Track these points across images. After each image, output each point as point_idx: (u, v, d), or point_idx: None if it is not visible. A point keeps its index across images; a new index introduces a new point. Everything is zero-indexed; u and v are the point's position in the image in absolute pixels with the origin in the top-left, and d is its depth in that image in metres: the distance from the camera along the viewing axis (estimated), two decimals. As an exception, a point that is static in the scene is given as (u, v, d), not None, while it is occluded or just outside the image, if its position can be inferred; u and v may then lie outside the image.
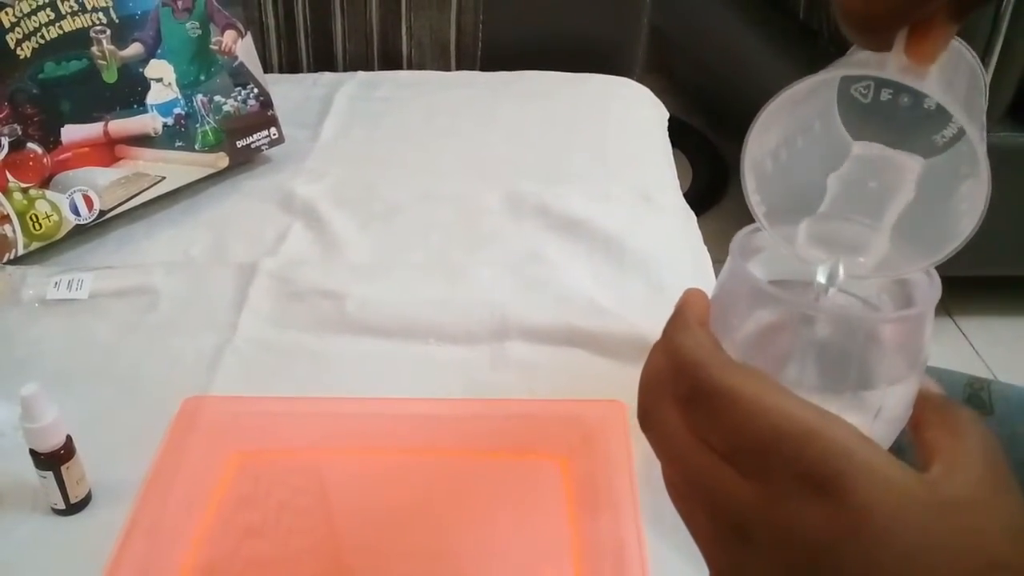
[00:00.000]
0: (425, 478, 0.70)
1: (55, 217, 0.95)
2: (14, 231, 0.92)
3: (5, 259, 0.92)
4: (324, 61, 1.40)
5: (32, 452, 0.64)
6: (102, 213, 0.98)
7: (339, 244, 0.99)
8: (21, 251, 0.93)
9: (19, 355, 0.82)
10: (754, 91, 1.64)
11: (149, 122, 1.01)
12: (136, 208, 1.02)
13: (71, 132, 0.95)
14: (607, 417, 0.72)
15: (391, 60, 1.41)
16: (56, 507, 0.67)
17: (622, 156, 1.16)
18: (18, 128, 0.91)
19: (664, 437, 0.37)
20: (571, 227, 1.00)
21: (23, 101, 0.92)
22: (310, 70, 1.41)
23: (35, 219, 0.94)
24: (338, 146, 1.19)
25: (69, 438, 0.65)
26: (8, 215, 0.92)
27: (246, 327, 0.85)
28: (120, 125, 0.99)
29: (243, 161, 1.10)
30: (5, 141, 0.91)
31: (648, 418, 0.37)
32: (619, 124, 1.24)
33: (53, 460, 0.64)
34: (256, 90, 1.10)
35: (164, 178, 1.03)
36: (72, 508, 0.67)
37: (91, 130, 0.97)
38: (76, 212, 0.96)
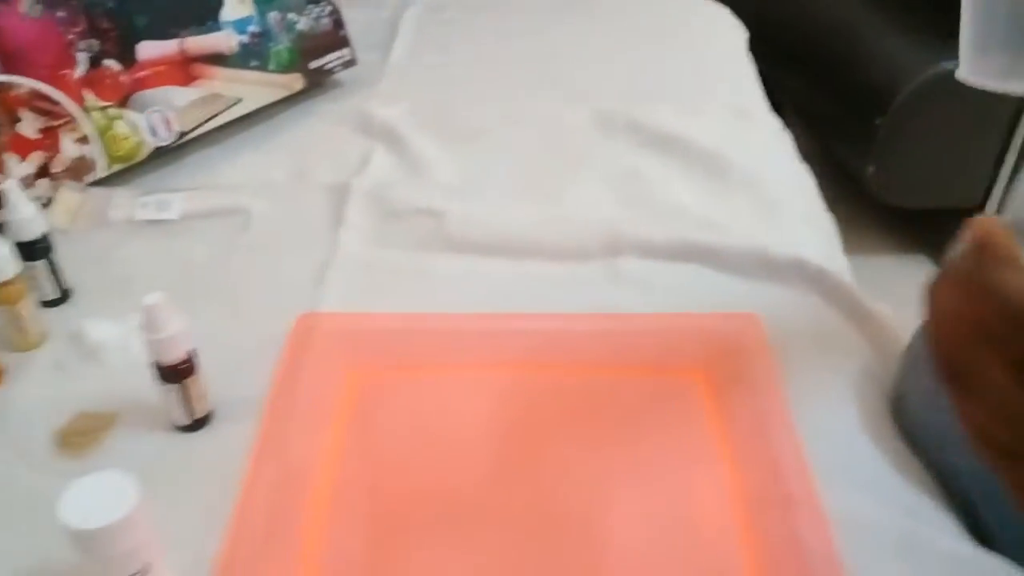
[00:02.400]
0: (557, 396, 0.67)
1: (134, 138, 0.91)
2: (95, 152, 0.89)
3: (88, 181, 0.88)
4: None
5: (155, 365, 0.61)
6: (181, 135, 0.95)
7: (425, 166, 0.95)
8: (102, 172, 0.90)
9: (115, 274, 0.79)
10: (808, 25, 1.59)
11: (224, 39, 0.97)
12: (213, 131, 0.98)
13: (147, 49, 0.91)
14: (744, 330, 0.68)
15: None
16: (179, 423, 0.64)
17: (709, 73, 1.11)
18: (96, 43, 0.87)
19: (991, 395, 0.32)
20: (666, 143, 0.96)
21: (99, 15, 0.87)
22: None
23: (115, 140, 0.90)
24: (410, 69, 1.14)
25: (193, 352, 0.62)
26: (88, 135, 0.88)
27: (347, 245, 0.82)
28: (196, 42, 0.95)
29: (317, 83, 1.06)
30: (84, 57, 0.87)
31: (966, 374, 0.33)
32: (702, 42, 1.19)
33: (177, 373, 0.61)
34: (329, 8, 1.05)
35: (241, 100, 0.99)
36: (195, 424, 0.64)
37: (167, 47, 0.93)
38: (155, 133, 0.93)
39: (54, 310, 0.75)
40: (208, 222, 0.86)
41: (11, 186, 0.70)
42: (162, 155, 0.94)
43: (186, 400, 0.63)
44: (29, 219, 0.71)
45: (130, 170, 0.92)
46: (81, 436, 0.64)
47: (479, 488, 0.62)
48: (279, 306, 0.75)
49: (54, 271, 0.74)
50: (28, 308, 0.70)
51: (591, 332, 0.71)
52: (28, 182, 0.85)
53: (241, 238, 0.84)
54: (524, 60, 1.15)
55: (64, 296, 0.76)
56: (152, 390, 0.65)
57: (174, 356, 0.61)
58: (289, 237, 0.84)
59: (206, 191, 0.89)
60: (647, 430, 0.64)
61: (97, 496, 0.49)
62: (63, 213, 0.84)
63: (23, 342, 0.70)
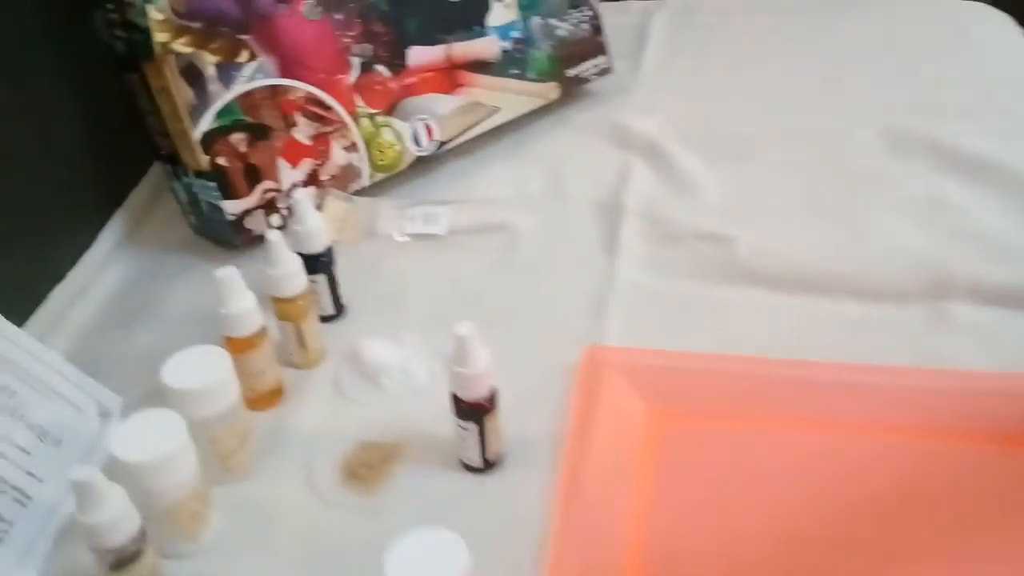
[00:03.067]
0: (895, 464, 0.58)
1: (398, 147, 0.89)
2: (360, 160, 0.87)
3: (351, 190, 0.86)
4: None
5: (455, 399, 0.57)
6: (441, 144, 0.91)
7: (691, 184, 0.88)
8: (367, 182, 0.88)
9: (386, 289, 0.76)
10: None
11: (489, 46, 0.93)
12: (468, 141, 0.94)
13: (417, 54, 0.88)
14: None
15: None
16: (470, 463, 0.59)
17: (1008, 89, 0.98)
18: (369, 48, 0.85)
19: None
20: (976, 168, 0.84)
21: (374, 18, 0.85)
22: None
23: (380, 148, 0.88)
24: (664, 77, 1.07)
25: (495, 389, 0.57)
26: (356, 142, 0.86)
27: (625, 272, 0.76)
28: (463, 48, 0.91)
29: (572, 92, 1.01)
30: (357, 62, 0.85)
31: None
32: (991, 54, 1.06)
33: (478, 411, 0.57)
34: (590, 13, 1.00)
35: (499, 109, 0.95)
36: (487, 465, 0.59)
37: (435, 53, 0.90)
38: (417, 142, 0.90)
39: (331, 326, 0.72)
40: (475, 238, 0.81)
41: (302, 196, 0.68)
42: (419, 164, 0.91)
43: (482, 440, 0.58)
44: (316, 231, 0.69)
45: (388, 180, 0.90)
46: (368, 468, 0.60)
47: (809, 565, 0.54)
48: (558, 335, 0.70)
49: (334, 286, 0.72)
50: (311, 324, 0.67)
51: (926, 390, 0.62)
52: (299, 187, 0.83)
53: (510, 257, 0.79)
54: (789, 69, 1.06)
55: (340, 311, 0.73)
56: (435, 421, 0.61)
57: (478, 393, 0.56)
58: (560, 258, 0.79)
59: (471, 205, 0.85)
60: (1002, 521, 0.54)
61: (426, 557, 0.44)
62: (331, 223, 0.81)
63: (304, 359, 0.68)
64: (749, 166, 0.90)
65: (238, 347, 0.62)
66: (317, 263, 0.70)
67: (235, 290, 0.61)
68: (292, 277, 0.65)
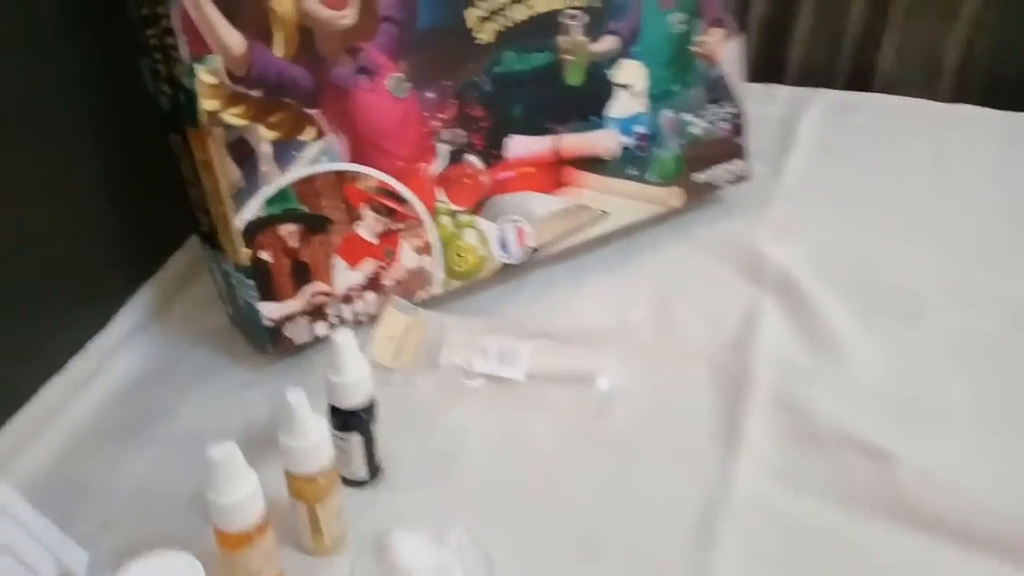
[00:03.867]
0: None
1: (480, 251, 0.73)
2: (434, 264, 0.72)
3: (418, 299, 0.72)
4: (770, 67, 1.11)
5: None
6: (533, 251, 0.76)
7: (838, 348, 0.69)
8: (438, 290, 0.73)
9: (436, 447, 0.61)
10: None
11: (606, 139, 0.77)
12: (566, 249, 0.78)
13: (518, 145, 0.73)
14: None
15: (859, 76, 1.09)
16: None
17: None
18: (462, 134, 0.70)
19: None
20: None
21: (473, 100, 0.70)
22: (748, 77, 1.13)
23: (459, 251, 0.73)
24: (810, 192, 0.89)
25: None
26: (431, 243, 0.71)
27: (745, 481, 0.58)
28: (574, 141, 0.75)
29: (697, 200, 0.84)
30: (445, 150, 0.70)
31: None
32: None
33: None
34: (733, 109, 0.83)
35: (608, 215, 0.79)
36: None
37: (540, 144, 0.74)
38: (504, 248, 0.74)
39: (360, 494, 0.57)
40: (559, 391, 0.65)
41: (347, 340, 0.53)
42: (504, 274, 0.76)
43: None
44: (357, 383, 0.54)
45: (463, 288, 0.75)
46: None
47: None
48: (653, 556, 0.53)
49: (369, 447, 0.57)
50: (330, 506, 0.52)
51: None
52: (354, 294, 0.69)
53: (597, 425, 0.63)
54: (975, 198, 0.87)
55: (375, 474, 0.58)
56: None
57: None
58: (661, 438, 0.62)
59: (558, 340, 0.69)
60: None
61: None
62: (386, 341, 0.67)
63: (317, 546, 0.53)
64: (917, 333, 0.71)
65: (229, 543, 0.47)
66: (352, 419, 0.55)
67: (232, 475, 0.46)
68: (313, 452, 0.50)
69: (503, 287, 0.77)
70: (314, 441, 0.49)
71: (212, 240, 0.68)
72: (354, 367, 0.53)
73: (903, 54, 1.06)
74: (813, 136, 0.97)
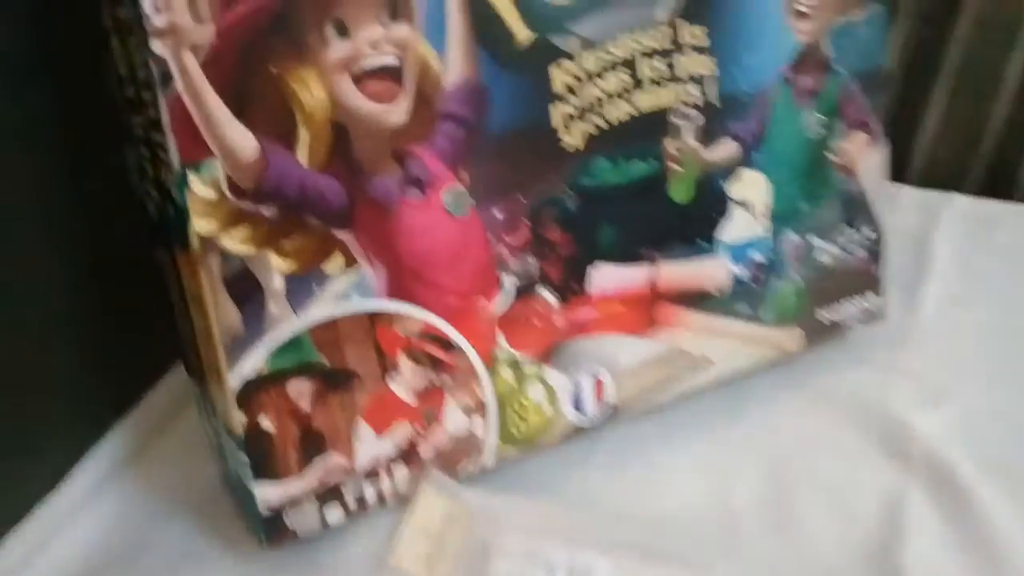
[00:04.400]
0: None
1: (547, 410, 0.57)
2: (487, 428, 0.55)
3: (462, 473, 0.55)
4: (891, 162, 0.93)
5: None
6: (614, 410, 0.59)
7: (1015, 570, 0.52)
8: (489, 461, 0.56)
9: None
10: None
11: (715, 270, 0.60)
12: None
13: (605, 276, 0.56)
14: None
15: (998, 179, 0.91)
16: None
17: None
18: (534, 263, 0.54)
19: None
20: None
21: (552, 220, 0.54)
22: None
23: (520, 411, 0.56)
24: (956, 332, 0.71)
25: None
26: (484, 402, 0.54)
27: None
28: (675, 271, 0.59)
29: (819, 342, 0.67)
30: (511, 283, 0.54)
31: None
32: None
33: None
34: (872, 234, 0.66)
35: (712, 363, 0.62)
36: None
37: (633, 275, 0.57)
38: (578, 406, 0.58)
39: None
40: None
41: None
42: (574, 438, 0.59)
43: None
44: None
45: (521, 455, 0.58)
46: None
47: None
48: None
49: None
50: None
51: None
52: (380, 468, 0.52)
53: None
54: None
55: None
56: None
57: None
58: None
59: (644, 559, 0.52)
60: None
61: None
62: (419, 538, 0.50)
63: None
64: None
65: None
66: None
67: None
68: None
69: (571, 448, 0.60)
70: None
71: (201, 382, 0.52)
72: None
73: (1054, 157, 0.89)
74: (951, 258, 0.79)
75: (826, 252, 0.64)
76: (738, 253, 0.61)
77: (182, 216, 0.44)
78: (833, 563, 0.53)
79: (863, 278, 0.67)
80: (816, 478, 0.59)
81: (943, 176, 0.92)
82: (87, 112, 0.51)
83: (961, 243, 0.81)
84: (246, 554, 0.53)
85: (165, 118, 0.42)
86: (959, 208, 0.86)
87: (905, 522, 0.55)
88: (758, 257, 0.61)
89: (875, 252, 0.67)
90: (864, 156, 0.64)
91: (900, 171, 0.93)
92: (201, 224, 0.44)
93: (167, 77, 0.41)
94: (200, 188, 0.44)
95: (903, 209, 0.85)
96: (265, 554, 0.52)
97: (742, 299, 0.62)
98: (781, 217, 0.61)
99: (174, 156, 0.43)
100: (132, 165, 0.50)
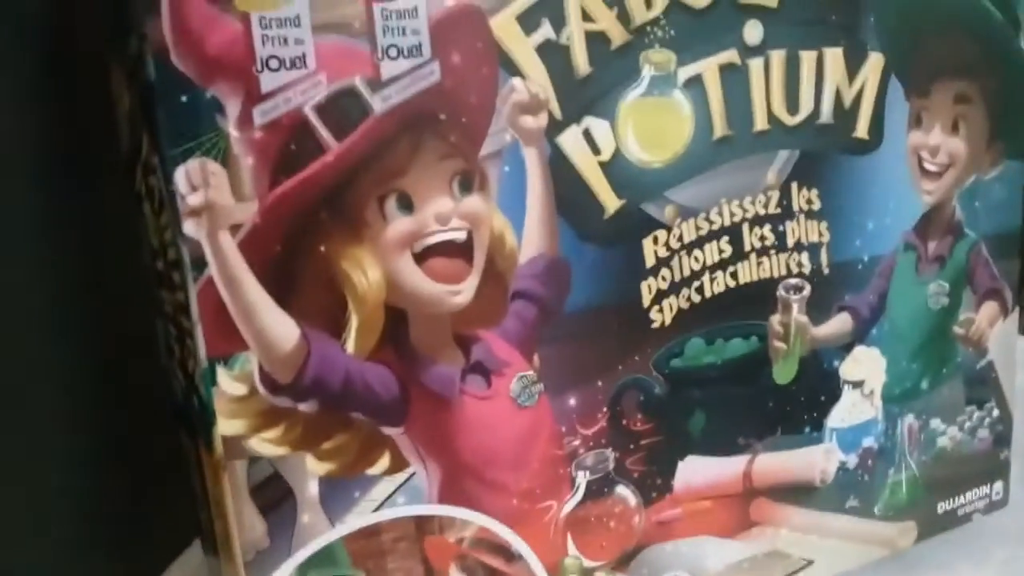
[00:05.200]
0: None
1: (620, 626, 0.49)
2: (548, 648, 0.47)
3: None
4: None
5: None
6: (697, 622, 0.51)
7: None
8: None
9: None
10: None
11: (817, 460, 0.52)
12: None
13: (695, 470, 0.48)
14: None
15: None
16: None
17: None
18: (611, 457, 0.46)
19: None
20: None
21: (634, 407, 0.46)
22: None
23: (588, 628, 0.48)
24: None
25: None
26: (547, 618, 0.47)
27: None
28: (774, 463, 0.50)
29: (932, 536, 0.58)
30: (583, 478, 0.46)
31: None
32: None
33: None
34: (996, 411, 0.57)
35: (811, 563, 0.53)
36: None
37: (727, 468, 0.49)
38: (656, 619, 0.49)
39: None
40: None
41: None
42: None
43: None
44: None
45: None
46: None
47: None
48: None
49: None
50: None
51: None
52: None
53: None
54: None
55: None
56: None
57: None
58: None
59: None
60: None
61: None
62: None
63: None
64: None
65: None
66: None
67: None
68: None
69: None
70: None
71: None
72: None
73: None
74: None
75: (947, 436, 0.55)
76: (848, 439, 0.52)
77: (207, 413, 0.38)
78: None
79: (988, 463, 0.58)
80: None
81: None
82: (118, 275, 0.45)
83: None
84: None
85: (194, 307, 0.36)
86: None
87: None
88: (870, 443, 0.53)
89: (1003, 435, 0.58)
90: (994, 328, 0.55)
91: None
92: (227, 425, 0.38)
93: (200, 262, 0.35)
94: (229, 384, 0.37)
95: None
96: None
97: (850, 491, 0.53)
98: (897, 398, 0.53)
99: (201, 349, 0.37)
100: (161, 340, 0.44)
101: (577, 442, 0.45)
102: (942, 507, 0.57)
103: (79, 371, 0.47)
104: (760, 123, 0.45)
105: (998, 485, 0.59)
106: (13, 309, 0.42)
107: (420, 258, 0.39)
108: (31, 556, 0.45)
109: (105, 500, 0.49)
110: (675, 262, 0.45)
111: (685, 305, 0.46)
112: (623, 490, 0.47)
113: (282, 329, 0.37)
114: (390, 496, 0.41)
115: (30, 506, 0.45)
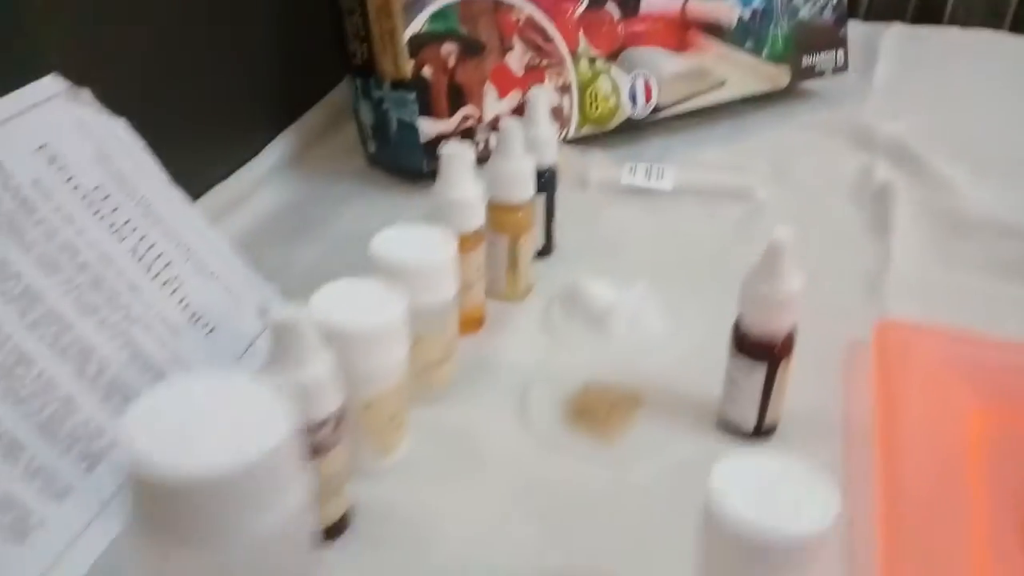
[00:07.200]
0: None
1: (612, 101, 0.77)
2: (571, 106, 0.75)
3: (558, 136, 0.75)
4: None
5: (740, 335, 0.43)
6: (656, 109, 0.79)
7: (951, 189, 0.73)
8: (572, 132, 0.76)
9: (601, 235, 0.64)
10: None
11: (727, 11, 0.81)
12: (680, 117, 0.82)
13: (652, 0, 0.77)
14: None
15: (928, 14, 1.16)
16: (737, 425, 0.45)
17: None
18: (603, -20, 0.74)
19: None
20: None
21: (614, -50, 0.75)
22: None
23: (594, 97, 0.76)
24: (902, 88, 0.94)
25: (795, 328, 0.43)
26: (570, 84, 0.74)
27: (902, 258, 0.62)
28: (699, 6, 0.80)
29: (801, 83, 0.88)
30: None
31: None
32: None
33: (771, 352, 0.42)
34: (834, 1, 0.88)
35: (725, 82, 0.83)
36: (759, 432, 0.45)
37: (670, 3, 0.79)
38: (633, 101, 0.78)
39: (538, 263, 0.59)
40: (709, 202, 0.68)
41: (541, 96, 0.56)
42: (625, 132, 0.79)
43: (765, 395, 0.43)
44: (548, 139, 0.57)
45: (594, 138, 0.78)
46: (600, 413, 0.46)
47: None
48: (822, 308, 0.55)
49: (550, 212, 0.59)
50: (527, 245, 0.54)
51: None
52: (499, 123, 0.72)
53: (751, 226, 0.66)
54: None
55: (549, 247, 0.60)
56: (676, 377, 0.48)
57: (778, 326, 0.42)
58: (816, 234, 0.64)
59: (700, 168, 0.72)
60: None
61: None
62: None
63: (512, 288, 0.55)
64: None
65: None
66: (540, 180, 0.57)
67: (463, 172, 0.48)
68: (525, 180, 0.52)
69: (625, 147, 0.80)
70: (525, 168, 0.52)
71: (367, 69, 0.71)
72: (548, 125, 0.56)
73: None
74: (893, 54, 1.02)
75: (804, 8, 0.86)
76: (743, 0, 0.82)
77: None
78: (834, 191, 0.74)
79: (831, 36, 0.89)
80: (815, 166, 0.79)
81: (883, 15, 1.15)
82: None
83: (900, 47, 1.04)
84: (403, 192, 0.71)
85: None
86: (895, 31, 1.09)
87: (873, 176, 0.76)
88: (756, 5, 0.83)
89: (841, 17, 0.89)
90: (828, -62, 0.86)
91: (854, 9, 1.16)
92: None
93: None
94: None
95: (855, 31, 1.08)
96: (417, 192, 0.71)
97: (747, 36, 0.83)
98: (772, -23, 0.83)
99: None
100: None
101: (581, -31, 0.73)
102: (805, 61, 0.87)
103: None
104: None
105: (840, 53, 0.90)
106: None
107: None
108: (232, 85, 0.70)
109: (285, 40, 0.74)
110: None
111: None
112: (611, 5, 0.75)
113: None
114: None
115: (233, 45, 0.69)
